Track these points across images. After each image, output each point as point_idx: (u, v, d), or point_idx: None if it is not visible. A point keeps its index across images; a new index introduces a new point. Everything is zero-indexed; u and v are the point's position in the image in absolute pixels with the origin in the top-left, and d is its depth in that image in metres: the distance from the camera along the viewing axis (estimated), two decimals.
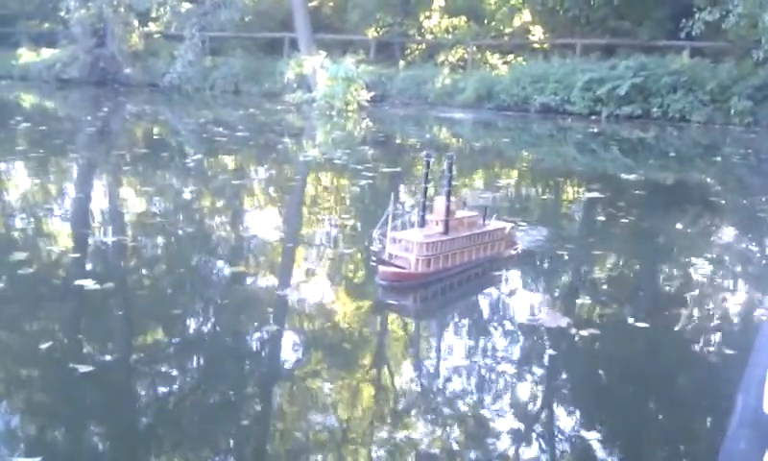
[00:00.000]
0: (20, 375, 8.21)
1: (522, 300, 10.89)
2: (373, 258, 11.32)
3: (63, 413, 7.41)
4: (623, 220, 16.33)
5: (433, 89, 43.77)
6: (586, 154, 29.57)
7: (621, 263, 13.68)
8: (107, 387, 7.90)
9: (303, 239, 14.63)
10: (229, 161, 23.93)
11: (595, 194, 19.56)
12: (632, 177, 22.21)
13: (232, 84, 47.92)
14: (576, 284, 12.20)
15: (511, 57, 47.24)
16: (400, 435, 6.93)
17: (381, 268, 10.95)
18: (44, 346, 8.56)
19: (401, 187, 19.92)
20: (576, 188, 21.75)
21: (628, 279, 12.75)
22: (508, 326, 10.01)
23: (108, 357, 8.58)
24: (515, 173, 24.49)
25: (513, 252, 12.74)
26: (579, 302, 11.16)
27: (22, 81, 53.12)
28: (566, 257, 13.22)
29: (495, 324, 10.08)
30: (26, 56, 56.20)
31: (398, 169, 23.29)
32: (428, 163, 11.68)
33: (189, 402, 7.79)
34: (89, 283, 10.61)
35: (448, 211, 11.44)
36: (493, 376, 8.44)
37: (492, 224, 12.54)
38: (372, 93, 41.47)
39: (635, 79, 37.24)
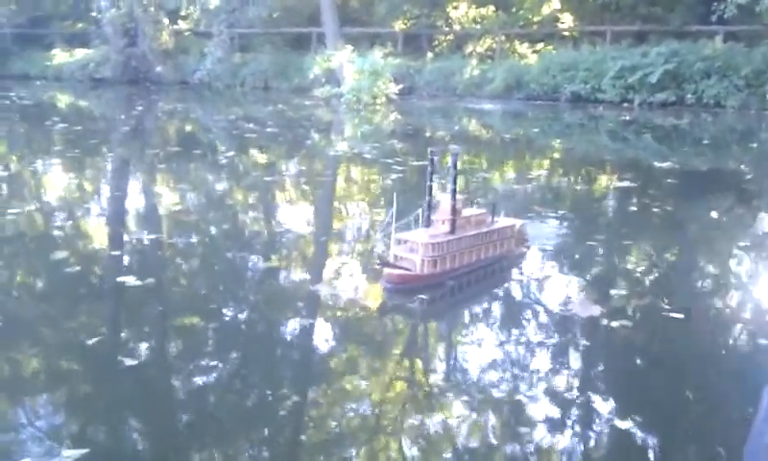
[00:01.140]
0: (68, 369, 8.51)
1: (554, 290, 10.90)
2: (377, 261, 10.94)
3: (110, 405, 7.67)
4: (656, 209, 16.20)
5: (461, 80, 43.65)
6: (617, 142, 29.26)
7: (654, 253, 13.58)
8: (150, 379, 8.16)
9: (335, 234, 14.80)
10: (260, 158, 24.23)
11: (627, 183, 19.39)
12: (665, 165, 21.96)
13: (262, 81, 48.39)
14: (608, 275, 12.15)
15: (540, 45, 46.87)
16: (437, 423, 7.05)
17: (386, 271, 10.65)
18: (91, 341, 8.87)
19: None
20: (608, 177, 21.57)
21: (661, 269, 12.66)
22: (540, 316, 10.03)
23: (151, 351, 8.84)
24: (545, 163, 24.36)
25: (524, 249, 12.37)
26: (611, 292, 11.12)
27: (56, 81, 54.29)
28: (598, 248, 13.18)
29: (527, 314, 10.12)
30: (60, 56, 57.42)
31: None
32: (432, 160, 11.27)
33: (227, 393, 8.00)
34: (131, 280, 10.92)
35: (454, 210, 11.09)
36: (527, 365, 8.50)
37: (501, 221, 12.15)
38: (400, 86, 41.52)
39: (667, 65, 36.71)
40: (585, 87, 39.06)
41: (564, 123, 34.98)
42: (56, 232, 14.27)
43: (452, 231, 11.05)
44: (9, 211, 15.27)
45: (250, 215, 16.33)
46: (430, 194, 11.28)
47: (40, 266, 12.02)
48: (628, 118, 34.25)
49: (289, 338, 9.34)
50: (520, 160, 24.64)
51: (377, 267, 10.81)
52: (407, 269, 10.66)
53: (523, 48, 47.20)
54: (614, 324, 9.53)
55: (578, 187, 20.16)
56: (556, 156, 26.47)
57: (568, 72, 40.00)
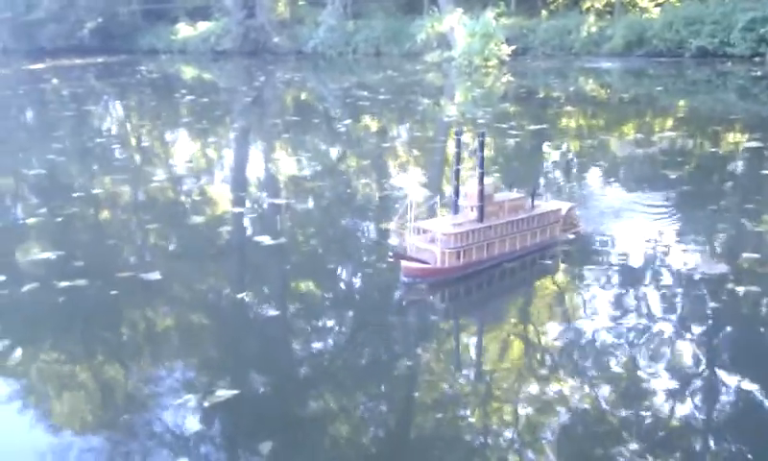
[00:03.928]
0: (219, 320, 9.41)
1: (678, 252, 10.73)
2: (390, 254, 10.10)
3: (257, 352, 8.47)
4: None
5: (578, 39, 42.14)
6: (747, 100, 27.43)
7: None
8: (287, 330, 8.94)
9: (448, 200, 15.02)
10: (374, 125, 24.73)
11: (757, 143, 18.29)
12: None
13: (373, 47, 48.87)
14: (735, 239, 11.68)
15: None
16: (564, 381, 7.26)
17: (404, 264, 9.80)
18: (240, 295, 9.83)
19: (545, 146, 19.71)
20: (736, 137, 20.38)
21: None
22: (665, 275, 9.96)
23: (290, 304, 9.70)
24: (668, 123, 23.28)
25: (571, 235, 11.26)
26: (739, 255, 10.72)
27: (181, 54, 57.28)
28: (725, 212, 12.65)
29: (654, 274, 10.04)
30: (184, 30, 60.36)
31: (544, 126, 22.91)
32: (459, 141, 10.39)
33: (346, 347, 8.57)
34: (266, 239, 11.89)
35: (482, 196, 10.05)
36: (652, 326, 8.47)
37: (544, 206, 11.05)
38: (513, 47, 40.65)
39: None
40: (712, 42, 36.65)
41: (689, 80, 33.11)
42: (192, 198, 15.42)
43: (480, 219, 10.08)
44: (153, 179, 16.72)
45: (365, 181, 16.87)
46: (457, 179, 10.37)
47: (186, 228, 13.10)
48: (759, 74, 31.92)
49: (399, 298, 9.75)
50: (641, 121, 23.68)
51: (391, 260, 10.02)
52: (425, 262, 9.76)
53: (645, 1, 44.80)
54: (740, 288, 9.31)
55: (703, 148, 19.21)
56: (680, 115, 25.20)
57: (694, 26, 37.64)
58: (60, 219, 13.31)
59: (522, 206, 10.61)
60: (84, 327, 9.14)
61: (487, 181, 10.16)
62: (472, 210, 10.05)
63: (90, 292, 9.84)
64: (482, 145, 10.02)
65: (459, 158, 10.23)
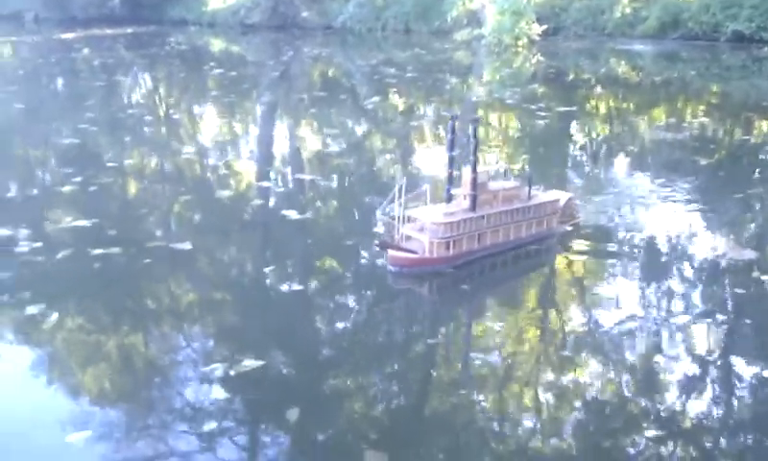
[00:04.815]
0: (247, 293, 9.62)
1: (705, 237, 10.75)
2: (376, 242, 9.84)
3: (282, 325, 8.65)
4: None
5: (611, 19, 41.44)
6: None
7: None
8: (315, 304, 9.19)
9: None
10: (400, 103, 24.70)
11: None
12: None
13: (403, 23, 48.50)
14: (762, 227, 11.61)
15: None
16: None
17: (391, 253, 9.58)
18: (267, 269, 10.10)
19: (573, 127, 19.57)
20: None
21: None
22: (692, 260, 10.01)
23: (313, 279, 9.88)
24: (701, 108, 22.96)
25: (569, 227, 10.94)
26: (765, 243, 10.67)
27: (210, 27, 57.36)
28: (754, 200, 12.53)
29: (681, 258, 10.09)
30: (213, 2, 60.34)
31: (573, 108, 22.71)
32: (452, 127, 9.89)
33: (367, 325, 8.74)
34: (293, 214, 12.12)
35: (475, 184, 9.71)
36: (678, 307, 8.52)
37: (541, 196, 10.68)
38: (544, 26, 40.09)
39: None
40: (749, 26, 35.86)
41: (724, 65, 32.49)
42: (218, 173, 15.63)
43: (473, 208, 9.77)
44: (183, 151, 16.97)
45: (389, 158, 16.96)
46: (451, 166, 9.94)
47: (215, 201, 13.33)
48: None
49: (420, 276, 9.87)
50: (672, 105, 23.37)
51: (377, 248, 9.79)
52: (413, 252, 9.51)
53: None
54: (766, 277, 9.28)
55: (735, 135, 18.94)
56: (713, 100, 24.83)
57: (731, 9, 36.83)
58: (93, 188, 13.59)
59: (518, 196, 10.28)
60: (118, 295, 9.39)
61: (481, 168, 9.86)
62: (465, 199, 9.76)
63: (123, 260, 10.10)
64: (475, 132, 9.77)
65: (452, 145, 9.81)
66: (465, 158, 10.62)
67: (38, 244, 10.58)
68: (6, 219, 11.58)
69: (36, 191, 14.02)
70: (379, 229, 10.13)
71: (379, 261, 10.04)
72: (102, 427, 6.59)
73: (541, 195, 10.64)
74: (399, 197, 9.38)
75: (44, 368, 7.65)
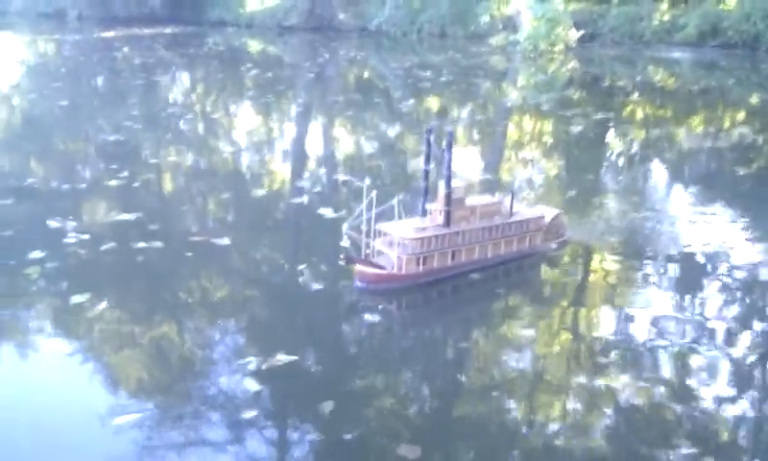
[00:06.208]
0: (284, 288, 9.85)
1: (742, 250, 10.65)
2: (342, 256, 9.50)
3: (314, 322, 8.90)
4: None
5: (649, 26, 41.03)
6: None
7: None
8: (344, 301, 9.39)
9: (504, 186, 15.09)
10: (435, 106, 24.82)
11: None
12: None
13: (438, 27, 48.59)
14: None
15: None
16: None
17: (358, 268, 9.26)
18: (301, 266, 10.29)
19: (609, 134, 19.49)
20: None
21: None
22: (734, 271, 9.94)
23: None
24: (739, 117, 22.67)
25: (553, 245, 10.50)
26: None
27: (248, 28, 58.11)
28: None
29: (723, 269, 10.03)
30: (252, 3, 61.12)
31: (609, 115, 22.57)
32: (428, 141, 9.60)
33: (391, 327, 8.91)
34: (328, 212, 12.37)
35: (449, 200, 9.35)
36: (708, 317, 8.53)
37: (525, 212, 10.24)
38: (581, 32, 39.83)
39: None
40: None
41: (764, 74, 32.00)
42: (261, 169, 16.00)
43: (447, 224, 9.41)
44: (222, 150, 17.37)
45: (422, 160, 17.08)
46: (426, 180, 9.63)
47: (253, 198, 13.66)
48: None
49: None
50: (710, 114, 23.11)
51: (342, 263, 9.46)
52: (381, 267, 9.20)
53: None
54: None
55: None
56: (752, 110, 24.46)
57: None
58: (136, 184, 14.01)
59: (498, 212, 9.87)
60: (160, 287, 9.73)
61: (457, 183, 9.43)
62: (441, 214, 9.37)
63: (165, 254, 10.45)
64: (450, 146, 9.37)
65: (429, 158, 9.48)
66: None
67: (85, 236, 10.99)
68: (56, 211, 12.03)
69: (83, 185, 14.48)
70: (345, 243, 9.67)
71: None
72: (146, 411, 6.87)
73: (525, 211, 10.24)
74: (369, 210, 9.03)
75: (89, 354, 7.98)
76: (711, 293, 9.51)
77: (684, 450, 6.27)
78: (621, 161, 13.99)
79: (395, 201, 9.14)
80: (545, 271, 10.23)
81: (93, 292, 9.11)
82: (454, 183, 9.22)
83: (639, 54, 37.78)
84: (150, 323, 8.71)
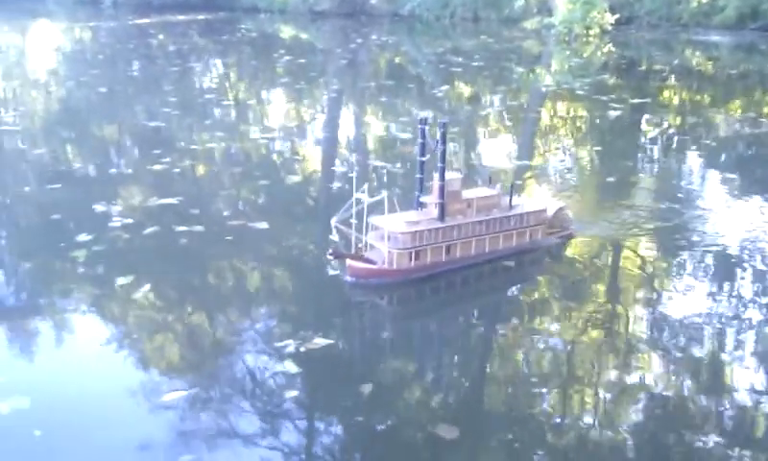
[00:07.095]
0: (320, 273, 9.98)
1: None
2: (330, 252, 9.17)
3: (350, 306, 9.11)
4: None
5: (687, 9, 40.23)
6: None
7: None
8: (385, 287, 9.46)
9: (537, 171, 15.06)
10: (467, 91, 24.74)
11: None
12: None
13: (471, 11, 48.24)
14: None
15: None
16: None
17: (349, 263, 9.07)
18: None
19: (644, 120, 19.28)
20: None
21: None
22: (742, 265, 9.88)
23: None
24: None
25: (557, 240, 10.16)
26: None
27: (280, 14, 58.29)
28: None
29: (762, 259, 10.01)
30: None
31: (646, 99, 22.28)
32: (423, 132, 9.32)
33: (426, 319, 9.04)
34: (363, 197, 12.37)
35: (443, 192, 9.05)
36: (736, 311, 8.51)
37: (525, 205, 9.86)
38: (617, 15, 39.23)
39: None
40: None
41: None
42: (297, 155, 16.19)
43: (441, 218, 9.13)
44: (258, 136, 17.63)
45: (454, 148, 17.12)
46: (422, 172, 9.36)
47: (290, 183, 13.87)
48: None
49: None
50: (749, 99, 22.69)
51: (329, 257, 9.19)
52: (371, 262, 8.97)
53: None
54: None
55: None
56: None
57: None
58: (177, 169, 14.32)
59: (497, 205, 9.54)
60: (201, 270, 9.99)
61: (452, 175, 9.15)
62: (435, 207, 9.14)
63: (206, 237, 10.73)
64: (444, 137, 9.13)
65: (423, 150, 9.21)
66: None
67: (129, 220, 11.32)
68: (102, 196, 12.42)
69: (128, 170, 14.87)
70: (335, 237, 9.40)
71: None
72: (193, 389, 7.13)
73: (526, 204, 9.91)
74: (355, 206, 8.87)
75: (133, 334, 8.28)
76: (747, 282, 9.45)
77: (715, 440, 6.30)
78: (657, 147, 13.82)
79: (383, 195, 8.94)
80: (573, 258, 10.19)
81: (137, 274, 9.42)
82: (449, 175, 8.95)
83: (676, 37, 37.13)
84: (192, 304, 9.00)
